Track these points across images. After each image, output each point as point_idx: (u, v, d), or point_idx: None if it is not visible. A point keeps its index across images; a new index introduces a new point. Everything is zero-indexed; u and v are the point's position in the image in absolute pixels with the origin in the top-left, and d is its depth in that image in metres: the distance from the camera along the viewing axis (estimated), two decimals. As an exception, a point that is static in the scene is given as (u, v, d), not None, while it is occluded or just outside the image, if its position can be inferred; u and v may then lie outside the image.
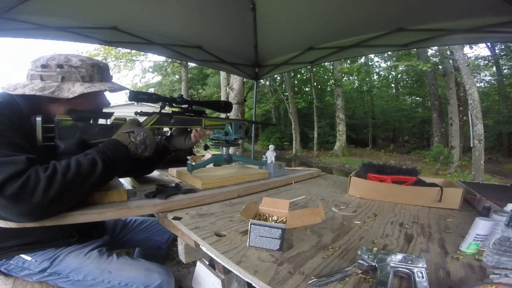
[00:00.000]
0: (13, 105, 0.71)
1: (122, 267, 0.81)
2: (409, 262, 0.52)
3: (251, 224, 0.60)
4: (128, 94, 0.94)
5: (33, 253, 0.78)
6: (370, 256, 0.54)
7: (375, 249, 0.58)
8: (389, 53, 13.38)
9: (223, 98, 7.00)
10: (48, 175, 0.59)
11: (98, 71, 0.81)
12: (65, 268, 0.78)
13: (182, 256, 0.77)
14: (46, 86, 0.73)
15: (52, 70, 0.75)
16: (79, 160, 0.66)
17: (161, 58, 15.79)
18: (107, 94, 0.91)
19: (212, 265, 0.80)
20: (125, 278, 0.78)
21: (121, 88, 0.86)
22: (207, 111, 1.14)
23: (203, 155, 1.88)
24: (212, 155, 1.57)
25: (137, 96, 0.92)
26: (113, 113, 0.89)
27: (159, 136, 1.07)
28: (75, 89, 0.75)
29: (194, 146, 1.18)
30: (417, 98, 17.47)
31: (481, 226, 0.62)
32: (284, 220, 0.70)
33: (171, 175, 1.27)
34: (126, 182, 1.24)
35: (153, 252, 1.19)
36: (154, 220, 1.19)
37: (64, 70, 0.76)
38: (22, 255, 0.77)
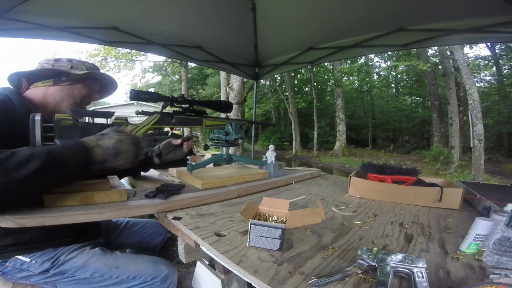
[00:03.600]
0: (5, 102, 0.77)
1: (128, 261, 0.83)
2: (409, 262, 0.52)
3: (251, 224, 0.60)
4: (129, 93, 0.95)
5: (31, 254, 0.78)
6: (370, 256, 0.54)
7: (375, 249, 0.58)
8: (389, 53, 13.40)
9: (223, 98, 6.98)
10: None
11: (96, 69, 1.00)
12: (70, 267, 0.78)
13: (182, 256, 0.77)
14: (57, 67, 0.90)
15: (63, 62, 0.92)
16: (15, 151, 0.59)
17: (161, 58, 15.79)
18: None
19: (212, 265, 0.80)
20: (133, 272, 0.80)
21: (113, 80, 1.05)
22: (208, 111, 1.14)
23: (203, 155, 1.88)
24: (212, 155, 1.57)
25: (138, 95, 0.91)
26: (113, 112, 0.89)
27: (148, 152, 1.14)
28: (81, 72, 0.91)
29: (194, 146, 1.19)
30: (417, 98, 17.48)
31: (481, 226, 0.62)
32: (284, 220, 0.70)
33: (171, 175, 1.27)
34: (126, 182, 1.24)
35: (146, 254, 1.18)
36: (146, 223, 1.18)
37: (73, 63, 0.93)
38: (19, 256, 0.77)
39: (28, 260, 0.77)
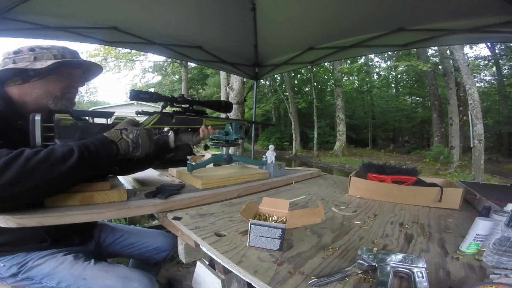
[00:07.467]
0: None
1: (98, 273, 0.77)
2: (409, 262, 0.52)
3: (251, 224, 0.60)
4: (129, 94, 0.94)
5: (2, 257, 0.76)
6: (370, 256, 0.54)
7: (375, 249, 0.58)
8: (389, 53, 13.39)
9: (223, 98, 6.97)
10: (9, 158, 0.55)
11: (70, 53, 0.86)
12: (37, 274, 0.76)
13: (182, 256, 0.77)
14: (18, 64, 0.77)
15: (25, 54, 0.79)
16: (54, 148, 0.62)
17: (161, 58, 15.83)
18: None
19: (212, 265, 0.80)
20: (101, 286, 0.75)
21: (91, 63, 0.92)
22: (208, 111, 1.14)
23: (203, 155, 1.88)
24: (212, 155, 1.57)
25: (138, 95, 0.91)
26: (113, 112, 0.89)
27: (157, 135, 1.03)
28: (47, 63, 0.78)
29: (194, 146, 1.18)
30: (417, 98, 17.48)
31: (481, 226, 0.62)
32: (284, 220, 0.70)
33: (171, 175, 1.27)
34: (126, 182, 1.24)
35: (148, 267, 1.12)
36: (149, 235, 1.10)
37: (36, 52, 0.79)
38: None
39: None
